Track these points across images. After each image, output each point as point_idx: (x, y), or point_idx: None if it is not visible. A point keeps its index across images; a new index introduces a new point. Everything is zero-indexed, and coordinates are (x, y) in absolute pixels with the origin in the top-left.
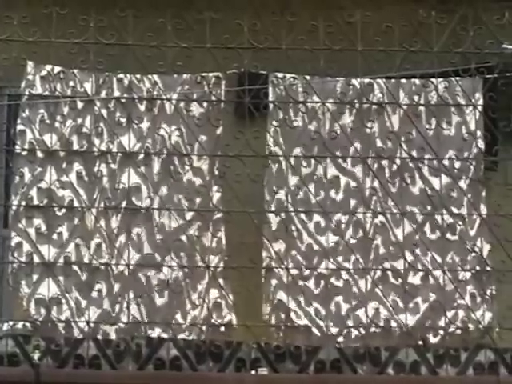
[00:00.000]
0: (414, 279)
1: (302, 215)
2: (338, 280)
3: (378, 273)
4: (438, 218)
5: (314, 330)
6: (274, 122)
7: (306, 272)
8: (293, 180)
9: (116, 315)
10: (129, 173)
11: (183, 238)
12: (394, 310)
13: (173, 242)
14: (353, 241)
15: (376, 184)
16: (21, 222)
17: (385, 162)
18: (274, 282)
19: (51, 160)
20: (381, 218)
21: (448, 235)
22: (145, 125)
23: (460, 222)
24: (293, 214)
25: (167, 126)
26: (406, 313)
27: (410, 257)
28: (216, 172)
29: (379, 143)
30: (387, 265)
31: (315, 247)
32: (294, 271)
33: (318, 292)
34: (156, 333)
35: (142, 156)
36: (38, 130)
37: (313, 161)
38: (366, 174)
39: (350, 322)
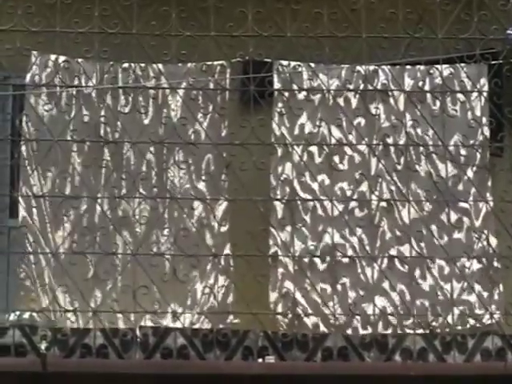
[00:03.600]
0: (421, 266)
1: (309, 203)
2: (345, 267)
3: (385, 260)
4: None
5: (321, 317)
6: (279, 110)
7: (313, 260)
8: (299, 167)
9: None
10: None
11: (190, 226)
12: (400, 297)
13: (179, 231)
14: (359, 229)
15: (382, 170)
16: (29, 213)
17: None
18: (280, 270)
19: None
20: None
21: (454, 223)
22: (150, 114)
23: (466, 209)
24: (299, 201)
25: (174, 115)
26: (413, 300)
27: (415, 244)
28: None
29: (385, 130)
30: (394, 251)
31: (321, 232)
32: (300, 259)
33: (325, 278)
34: (163, 322)
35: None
36: (43, 120)
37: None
38: (372, 160)
39: (357, 311)
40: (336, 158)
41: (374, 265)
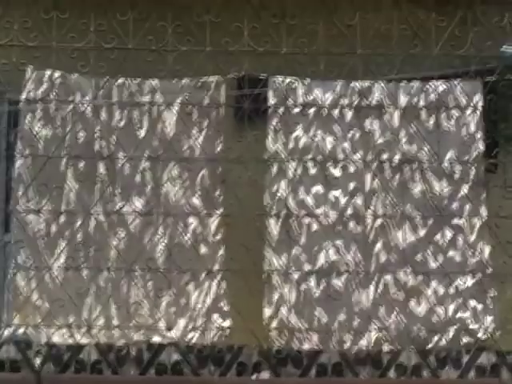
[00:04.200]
0: (415, 281)
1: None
2: (340, 283)
3: (380, 277)
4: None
5: (315, 333)
6: (274, 126)
7: (308, 275)
8: (293, 183)
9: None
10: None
11: (184, 241)
12: (396, 313)
13: (174, 246)
14: (354, 245)
15: (376, 186)
16: (22, 227)
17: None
18: (275, 285)
19: (52, 165)
20: (381, 220)
21: (449, 237)
22: (145, 129)
23: (461, 225)
24: (293, 217)
25: (168, 130)
26: (409, 316)
27: (411, 260)
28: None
29: (379, 146)
30: (389, 267)
31: (316, 249)
32: (295, 274)
33: (320, 295)
34: (157, 337)
35: (143, 160)
36: (38, 135)
37: (312, 163)
38: (367, 176)
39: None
40: (331, 170)
41: (369, 280)
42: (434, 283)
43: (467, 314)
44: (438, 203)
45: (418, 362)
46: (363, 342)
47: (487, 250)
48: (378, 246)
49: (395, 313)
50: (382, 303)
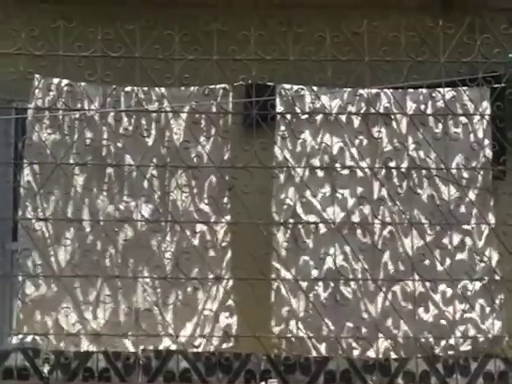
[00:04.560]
0: (423, 289)
1: (311, 226)
2: (348, 291)
3: (389, 284)
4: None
5: (324, 341)
6: (281, 133)
7: (315, 283)
8: (301, 190)
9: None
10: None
11: (192, 250)
12: (404, 321)
13: (182, 254)
14: (362, 252)
15: (384, 194)
16: (30, 236)
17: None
18: (282, 293)
19: (59, 173)
20: (389, 227)
21: (457, 246)
22: (152, 138)
23: (469, 232)
24: (301, 225)
25: (176, 139)
26: (417, 324)
27: (418, 268)
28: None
29: (387, 153)
30: (396, 276)
31: (324, 256)
32: (302, 282)
33: (327, 303)
34: (165, 345)
35: (150, 170)
36: (46, 143)
37: (320, 171)
38: (374, 183)
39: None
40: (338, 177)
41: (378, 287)
42: (441, 290)
43: (475, 321)
44: (446, 210)
45: (425, 370)
46: (371, 351)
47: (495, 257)
48: (386, 253)
49: (402, 321)
50: (390, 311)
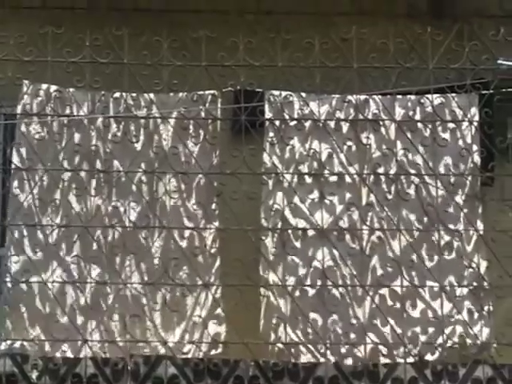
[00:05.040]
0: (411, 295)
1: (299, 232)
2: (336, 296)
3: (376, 290)
4: (435, 233)
5: (312, 347)
6: (270, 139)
7: (304, 289)
8: (289, 196)
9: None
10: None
11: (181, 256)
12: (392, 326)
13: (170, 260)
14: (350, 257)
15: (373, 199)
16: (18, 241)
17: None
18: (271, 299)
19: (48, 179)
20: (378, 233)
21: (445, 251)
22: (141, 143)
23: (457, 238)
24: (290, 231)
25: (165, 145)
26: (404, 329)
27: (406, 273)
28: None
29: (375, 159)
30: (384, 281)
31: (312, 262)
32: (291, 289)
33: (316, 308)
34: (153, 351)
35: (139, 175)
36: (35, 149)
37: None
38: (363, 189)
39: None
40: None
41: (365, 293)
42: (429, 296)
43: (463, 328)
44: (434, 216)
45: (414, 376)
46: (359, 354)
47: (483, 263)
48: (374, 258)
49: (390, 326)
50: (378, 315)
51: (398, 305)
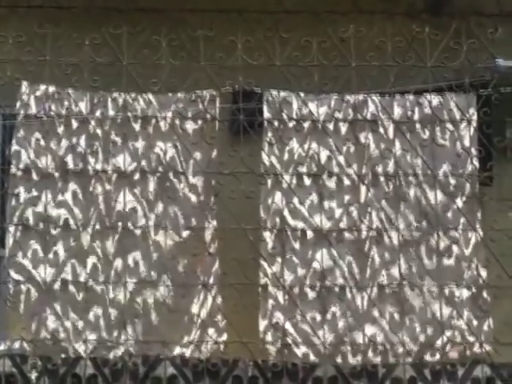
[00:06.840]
0: (411, 295)
1: (298, 232)
2: (335, 297)
3: (375, 290)
4: (434, 233)
5: (311, 347)
6: (269, 139)
7: (303, 289)
8: (288, 196)
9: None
10: (124, 192)
11: (179, 256)
12: (391, 327)
13: (168, 260)
14: (349, 258)
15: (372, 199)
16: (17, 243)
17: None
18: (270, 299)
19: (47, 180)
20: (377, 232)
21: (444, 251)
22: (140, 143)
23: (456, 238)
24: (289, 232)
25: (162, 144)
26: (404, 330)
27: (405, 273)
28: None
29: (374, 159)
30: (383, 278)
31: (311, 262)
32: (290, 288)
33: (315, 309)
34: (153, 351)
35: (137, 175)
36: (33, 150)
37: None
38: (361, 188)
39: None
40: (326, 183)
41: (364, 293)
42: (428, 296)
43: (462, 327)
44: (433, 216)
45: (413, 376)
46: (358, 354)
47: (482, 263)
48: (373, 258)
49: (389, 326)
50: (377, 314)
51: (397, 305)
